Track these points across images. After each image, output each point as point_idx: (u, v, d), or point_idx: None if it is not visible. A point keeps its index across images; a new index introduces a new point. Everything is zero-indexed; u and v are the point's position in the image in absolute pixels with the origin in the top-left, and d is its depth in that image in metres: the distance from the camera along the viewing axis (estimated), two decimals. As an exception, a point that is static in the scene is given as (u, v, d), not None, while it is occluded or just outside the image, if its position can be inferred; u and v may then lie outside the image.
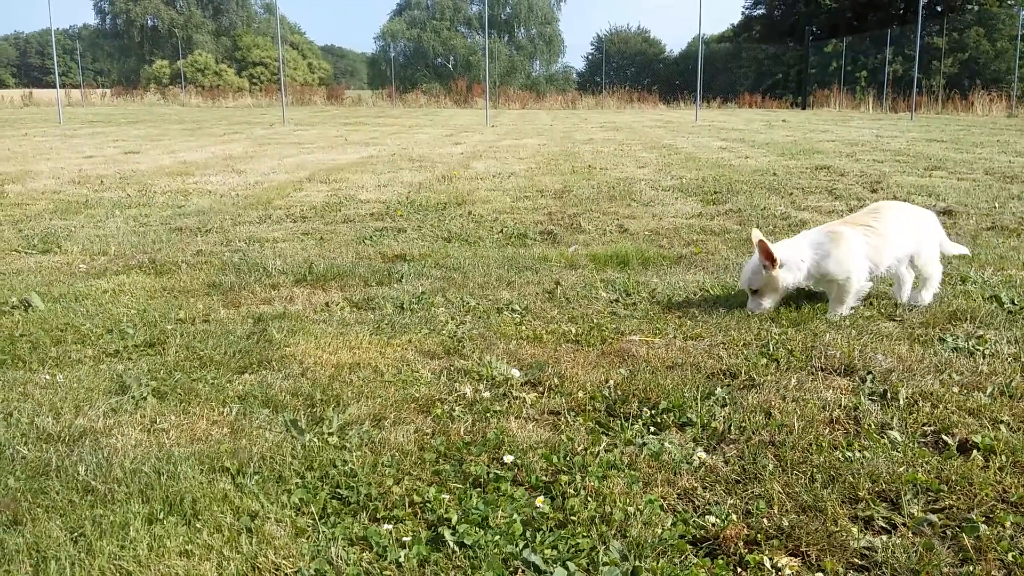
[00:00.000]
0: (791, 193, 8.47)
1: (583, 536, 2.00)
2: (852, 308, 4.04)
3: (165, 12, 65.22)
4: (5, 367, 3.24)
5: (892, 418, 2.73)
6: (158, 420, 2.69)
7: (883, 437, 2.60)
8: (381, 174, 10.52)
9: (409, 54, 61.60)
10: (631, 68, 65.02)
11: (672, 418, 2.75)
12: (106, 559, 1.87)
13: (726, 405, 2.86)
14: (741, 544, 2.01)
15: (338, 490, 2.23)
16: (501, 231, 6.39)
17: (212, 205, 7.81)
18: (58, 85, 27.86)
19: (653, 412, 2.79)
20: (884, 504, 2.21)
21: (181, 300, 4.28)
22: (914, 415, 2.76)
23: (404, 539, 1.98)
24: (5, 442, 2.50)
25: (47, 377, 3.10)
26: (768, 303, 4.05)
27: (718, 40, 58.80)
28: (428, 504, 2.15)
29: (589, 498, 2.19)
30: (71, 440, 2.53)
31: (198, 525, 2.03)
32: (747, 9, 55.77)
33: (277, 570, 1.85)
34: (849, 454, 2.47)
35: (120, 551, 1.91)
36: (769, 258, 3.94)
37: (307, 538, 1.99)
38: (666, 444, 2.54)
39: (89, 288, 4.52)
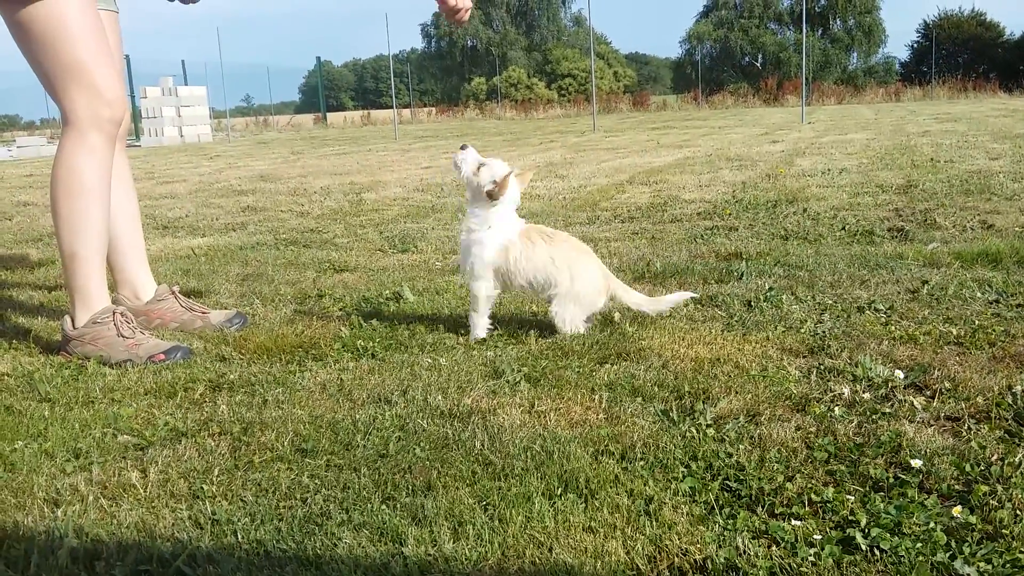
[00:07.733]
0: None
1: (1021, 551, 1.78)
2: None
3: (483, 32, 69.86)
4: (391, 350, 3.57)
5: None
6: (535, 403, 2.81)
7: None
8: (701, 174, 10.38)
9: (715, 55, 60.70)
10: (963, 55, 58.96)
11: (1103, 432, 2.37)
12: (517, 528, 1.96)
13: None
14: None
15: (727, 482, 2.17)
16: (843, 228, 6.01)
17: (543, 208, 8.15)
18: (395, 105, 30.82)
19: (1076, 424, 2.43)
20: None
21: (533, 294, 4.47)
22: None
23: (812, 538, 1.87)
24: (407, 416, 2.74)
25: (429, 360, 3.37)
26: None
27: (1074, 15, 51.41)
28: (828, 504, 2.03)
29: (1018, 511, 1.94)
30: (462, 417, 2.71)
31: (596, 504, 2.07)
32: (1114, -24, 48.26)
33: (685, 555, 1.83)
34: None
35: (527, 522, 1.99)
36: None
37: (707, 526, 1.95)
38: (1102, 460, 2.20)
39: (447, 283, 4.87)
